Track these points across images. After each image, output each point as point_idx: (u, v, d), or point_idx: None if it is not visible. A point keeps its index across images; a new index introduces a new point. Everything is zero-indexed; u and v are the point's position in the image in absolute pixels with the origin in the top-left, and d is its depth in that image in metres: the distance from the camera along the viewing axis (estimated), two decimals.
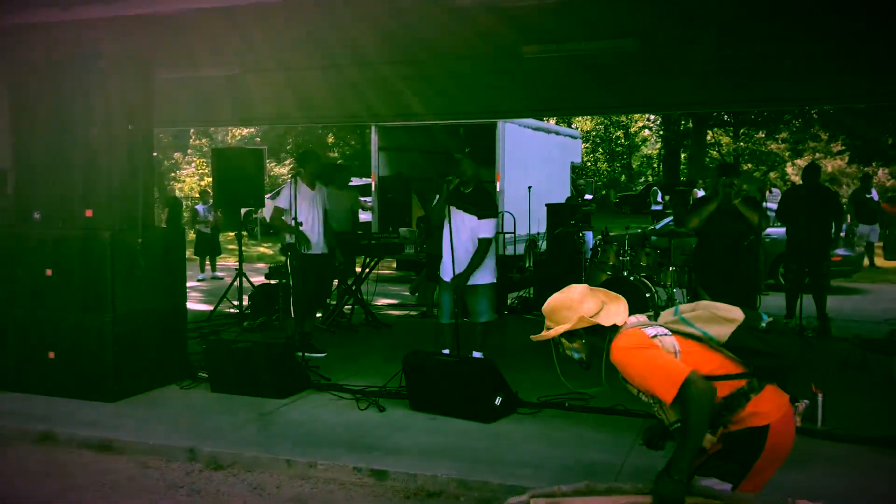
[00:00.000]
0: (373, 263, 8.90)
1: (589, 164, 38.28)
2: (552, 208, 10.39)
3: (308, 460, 4.61)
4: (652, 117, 35.98)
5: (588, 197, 12.26)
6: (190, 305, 7.10)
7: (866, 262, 14.11)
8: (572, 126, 36.01)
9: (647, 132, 38.29)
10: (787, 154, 33.82)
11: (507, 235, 11.76)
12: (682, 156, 33.47)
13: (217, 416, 5.44)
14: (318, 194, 6.98)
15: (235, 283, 8.96)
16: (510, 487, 4.17)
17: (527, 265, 12.09)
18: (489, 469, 4.46)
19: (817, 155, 35.68)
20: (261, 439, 4.99)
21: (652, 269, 8.33)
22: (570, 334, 2.89)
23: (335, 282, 8.93)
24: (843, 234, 11.38)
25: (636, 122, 37.78)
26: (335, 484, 4.45)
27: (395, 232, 10.26)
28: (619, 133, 38.00)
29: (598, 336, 2.86)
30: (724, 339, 2.73)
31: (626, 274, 8.22)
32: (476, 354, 6.29)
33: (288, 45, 7.38)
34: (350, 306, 8.80)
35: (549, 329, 2.93)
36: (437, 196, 6.08)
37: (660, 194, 21.24)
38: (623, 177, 38.83)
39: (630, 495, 2.72)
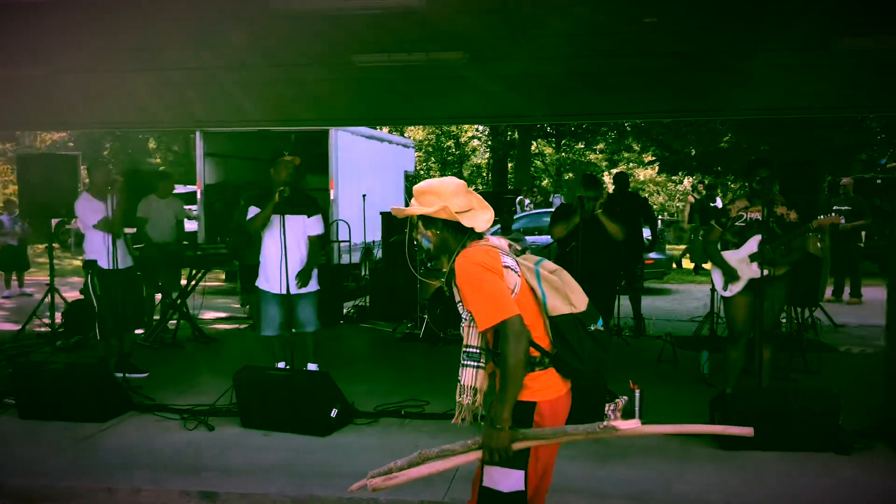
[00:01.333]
0: (199, 276, 8.53)
1: (422, 172, 38.86)
2: (387, 216, 10.43)
3: (131, 487, 4.33)
4: (480, 128, 37.10)
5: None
6: None
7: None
8: (405, 135, 36.47)
9: (476, 142, 39.36)
10: (604, 164, 35.92)
11: (342, 244, 11.70)
12: (510, 165, 34.71)
13: (26, 446, 4.99)
14: (109, 205, 6.39)
15: (46, 300, 8.27)
16: (347, 500, 4.14)
17: (362, 273, 12.06)
18: (325, 483, 4.39)
19: (631, 165, 38.30)
20: (77, 468, 4.63)
21: None
22: (428, 220, 2.80)
23: (157, 296, 8.48)
24: (649, 238, 12.25)
25: (466, 132, 38.75)
26: None
27: (222, 242, 9.89)
28: (450, 143, 38.81)
29: (454, 234, 2.78)
30: (552, 314, 2.74)
31: None
32: (311, 366, 6.18)
33: (105, 46, 6.94)
34: (175, 321, 8.37)
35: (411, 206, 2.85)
36: (247, 206, 5.98)
37: (528, 202, 21.49)
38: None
39: (461, 455, 2.73)
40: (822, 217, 5.39)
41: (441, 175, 39.56)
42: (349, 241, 11.63)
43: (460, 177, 40.15)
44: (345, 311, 9.93)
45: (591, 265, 6.20)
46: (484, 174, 41.59)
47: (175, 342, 8.17)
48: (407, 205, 2.94)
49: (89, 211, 6.17)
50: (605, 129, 28.92)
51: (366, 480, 2.75)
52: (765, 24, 7.40)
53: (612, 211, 6.50)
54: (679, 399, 6.03)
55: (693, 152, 21.35)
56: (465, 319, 2.74)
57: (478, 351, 2.74)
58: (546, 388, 2.74)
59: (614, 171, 38.93)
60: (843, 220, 5.46)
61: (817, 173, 9.70)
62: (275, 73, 9.25)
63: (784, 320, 7.67)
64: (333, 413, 5.25)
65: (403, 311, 9.08)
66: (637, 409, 5.54)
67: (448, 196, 2.78)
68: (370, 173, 13.41)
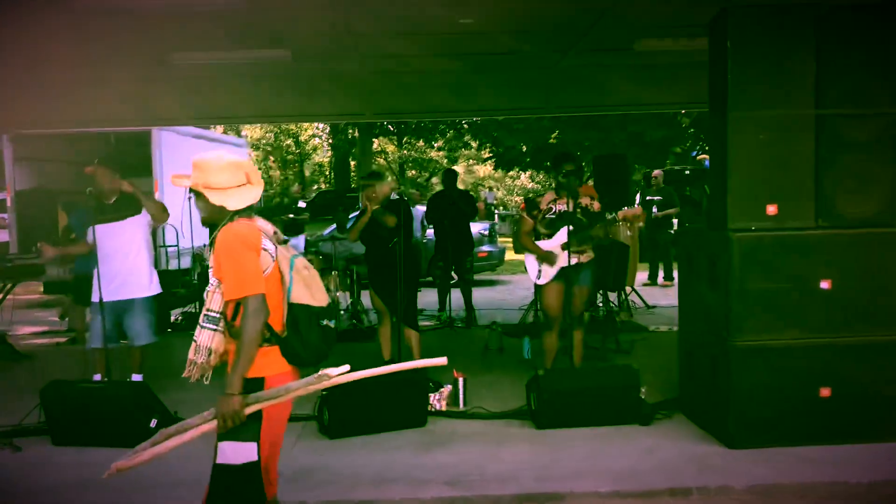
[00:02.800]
0: (8, 288, 7.96)
1: (262, 172, 37.98)
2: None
3: None
4: (321, 126, 36.74)
5: (302, 205, 12.07)
6: None
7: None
8: (242, 135, 35.50)
9: (316, 140, 38.96)
10: (445, 161, 36.61)
11: (170, 249, 11.25)
12: (353, 163, 34.64)
13: None
14: None
15: None
16: None
17: (193, 279, 11.65)
18: (144, 495, 4.26)
19: (471, 162, 39.29)
20: None
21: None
22: (197, 193, 2.98)
23: None
24: (484, 232, 12.69)
25: (306, 130, 38.27)
26: None
27: (37, 252, 9.25)
28: (290, 141, 38.21)
29: (219, 209, 2.95)
30: (293, 300, 2.93)
31: None
32: (135, 377, 5.96)
33: None
34: None
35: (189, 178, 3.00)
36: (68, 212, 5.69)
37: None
38: (297, 185, 39.08)
39: (198, 427, 2.91)
40: (625, 209, 5.81)
41: (281, 175, 38.93)
42: (177, 246, 11.22)
43: (302, 176, 39.58)
44: (172, 318, 9.58)
45: (384, 264, 6.24)
46: (327, 172, 41.27)
47: None
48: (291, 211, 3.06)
49: None
50: (444, 127, 29.45)
51: (113, 466, 2.91)
52: (574, 27, 7.88)
53: (398, 210, 6.39)
54: (502, 383, 6.30)
55: (524, 148, 22.20)
56: (213, 285, 2.91)
57: (218, 315, 2.90)
58: (272, 364, 2.91)
59: (454, 167, 39.92)
60: (641, 211, 5.90)
61: (628, 166, 10.42)
62: (91, 71, 8.81)
63: (601, 304, 8.21)
64: (153, 423, 5.08)
65: None
66: (461, 396, 5.78)
67: (210, 172, 2.95)
68: None
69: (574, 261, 5.80)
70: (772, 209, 4.69)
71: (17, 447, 5.02)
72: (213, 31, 7.37)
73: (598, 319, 8.21)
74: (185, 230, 11.05)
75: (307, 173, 41.38)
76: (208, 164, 2.97)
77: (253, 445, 2.85)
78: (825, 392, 4.68)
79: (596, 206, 6.00)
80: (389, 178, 6.67)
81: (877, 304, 4.71)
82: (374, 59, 8.97)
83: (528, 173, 33.31)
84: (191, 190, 3.01)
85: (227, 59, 8.27)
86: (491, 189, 26.03)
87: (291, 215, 10.60)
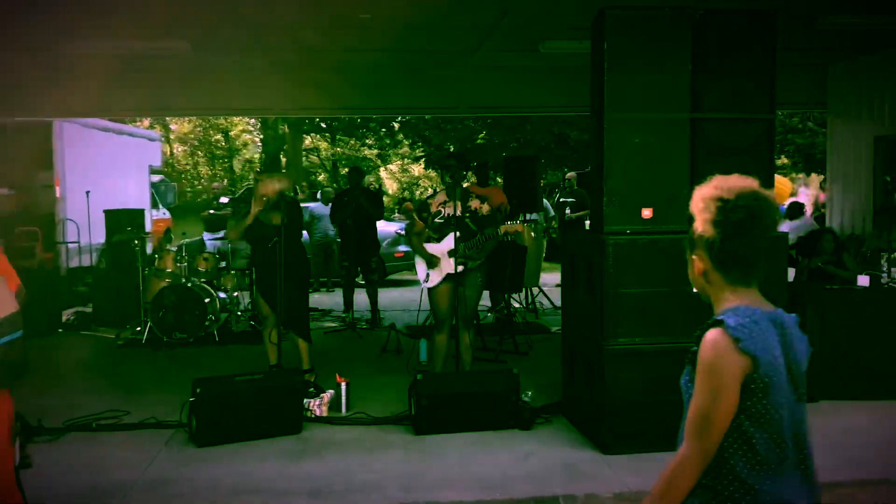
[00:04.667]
0: None
1: (188, 167, 37.14)
2: (111, 214, 9.76)
3: None
4: (252, 121, 36.01)
5: (224, 200, 11.62)
6: None
7: None
8: (170, 128, 34.60)
9: (246, 136, 38.19)
10: (377, 160, 36.33)
11: (70, 245, 10.81)
12: (284, 160, 34.07)
13: None
14: None
15: None
16: None
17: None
18: None
19: (405, 161, 39.03)
20: None
21: (211, 274, 8.26)
22: None
23: None
24: (401, 232, 12.51)
25: (236, 125, 37.47)
26: None
27: None
28: (219, 136, 37.36)
29: None
30: None
31: (184, 280, 8.02)
32: None
33: None
34: None
35: None
36: None
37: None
38: (225, 180, 38.25)
39: None
40: (508, 223, 5.74)
41: (210, 170, 38.05)
42: (78, 242, 10.78)
43: (230, 171, 38.78)
44: (64, 318, 9.16)
45: (267, 264, 5.98)
46: (257, 169, 40.50)
47: None
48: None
49: None
50: (374, 125, 29.17)
51: None
52: (478, 26, 7.81)
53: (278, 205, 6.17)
54: (393, 387, 6.12)
55: (451, 148, 22.13)
56: None
57: None
58: None
59: (389, 166, 39.66)
60: (522, 227, 5.84)
61: (539, 168, 10.40)
62: None
63: (508, 305, 8.15)
64: None
65: (128, 315, 8.54)
66: (344, 401, 5.61)
67: None
68: (106, 168, 12.49)
69: (461, 268, 5.69)
70: (647, 213, 4.65)
71: None
72: (111, 20, 7.07)
73: (502, 320, 8.16)
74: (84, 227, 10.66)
75: (237, 169, 40.51)
76: None
77: None
78: None
79: (485, 208, 5.90)
80: (280, 176, 6.39)
81: None
82: (278, 52, 8.74)
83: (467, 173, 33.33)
84: None
85: (126, 50, 7.94)
86: (327, 187, 25.64)
87: (212, 211, 10.21)
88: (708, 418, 1.80)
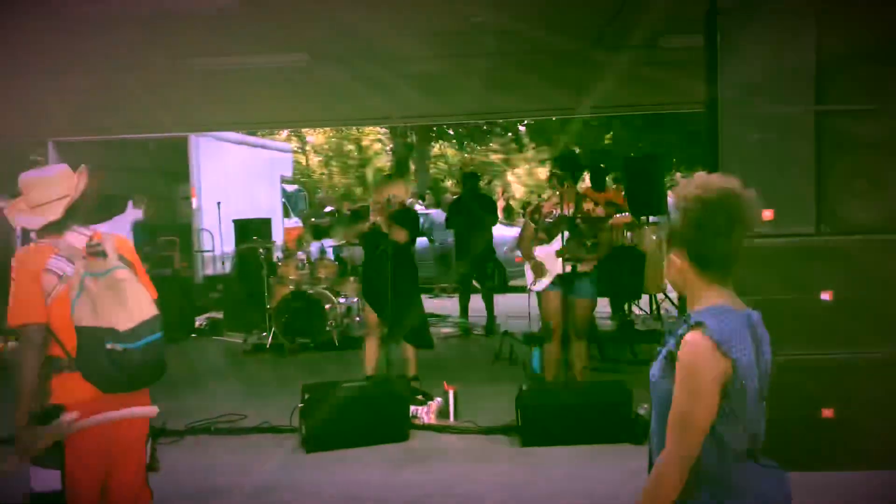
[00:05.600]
0: None
1: (323, 176, 38.42)
2: (240, 224, 10.19)
3: None
4: (383, 130, 36.89)
5: (328, 209, 12.09)
6: None
7: None
8: (307, 140, 36.03)
9: (377, 146, 39.13)
10: (503, 165, 36.30)
11: (205, 254, 11.37)
12: (413, 168, 34.70)
13: None
14: None
15: None
16: None
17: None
18: None
19: (532, 164, 38.82)
20: None
21: (332, 281, 8.44)
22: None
23: None
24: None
25: (367, 135, 38.49)
26: None
27: None
28: (352, 146, 38.51)
29: (43, 231, 2.79)
30: (76, 323, 2.66)
31: (305, 287, 8.23)
32: None
33: None
34: None
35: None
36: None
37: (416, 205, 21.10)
38: (359, 189, 39.38)
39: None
40: (617, 216, 5.50)
41: (342, 179, 39.30)
42: (212, 251, 11.33)
43: (363, 181, 39.88)
44: (198, 324, 9.63)
45: (378, 273, 5.91)
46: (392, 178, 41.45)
47: None
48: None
49: None
50: (499, 130, 29.14)
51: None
52: (595, 21, 7.56)
53: (403, 217, 6.12)
54: (503, 395, 5.98)
55: (577, 150, 21.74)
56: None
57: None
58: (73, 391, 2.68)
59: (516, 170, 39.51)
60: (630, 219, 5.57)
61: (661, 168, 9.95)
62: (125, 77, 8.91)
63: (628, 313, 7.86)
64: None
65: (254, 321, 8.87)
66: (451, 409, 5.54)
67: (26, 189, 2.78)
68: (239, 180, 13.09)
69: (569, 268, 5.50)
70: (768, 214, 4.29)
71: None
72: (229, 35, 7.37)
73: (623, 327, 7.88)
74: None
75: (369, 178, 41.63)
76: (25, 182, 2.82)
77: (55, 473, 2.65)
78: (827, 413, 4.26)
79: (598, 210, 5.69)
80: (398, 184, 6.37)
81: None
82: (393, 62, 8.82)
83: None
84: None
85: (246, 64, 8.26)
86: (448, 194, 24.92)
87: (313, 219, 10.51)
88: (689, 420, 1.84)
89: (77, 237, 2.79)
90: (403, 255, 6.01)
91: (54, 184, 2.78)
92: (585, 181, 8.73)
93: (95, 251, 2.73)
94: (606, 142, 21.42)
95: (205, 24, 6.95)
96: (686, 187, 1.94)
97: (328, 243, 10.21)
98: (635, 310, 8.29)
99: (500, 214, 15.70)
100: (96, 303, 2.66)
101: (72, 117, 9.95)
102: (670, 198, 2.00)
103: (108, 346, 2.63)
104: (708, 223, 1.88)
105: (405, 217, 6.14)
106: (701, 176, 1.96)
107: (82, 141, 11.94)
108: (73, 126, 10.71)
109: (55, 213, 2.75)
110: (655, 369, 2.00)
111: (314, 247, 9.42)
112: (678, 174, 11.77)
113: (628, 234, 8.04)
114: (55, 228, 2.76)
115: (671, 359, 1.90)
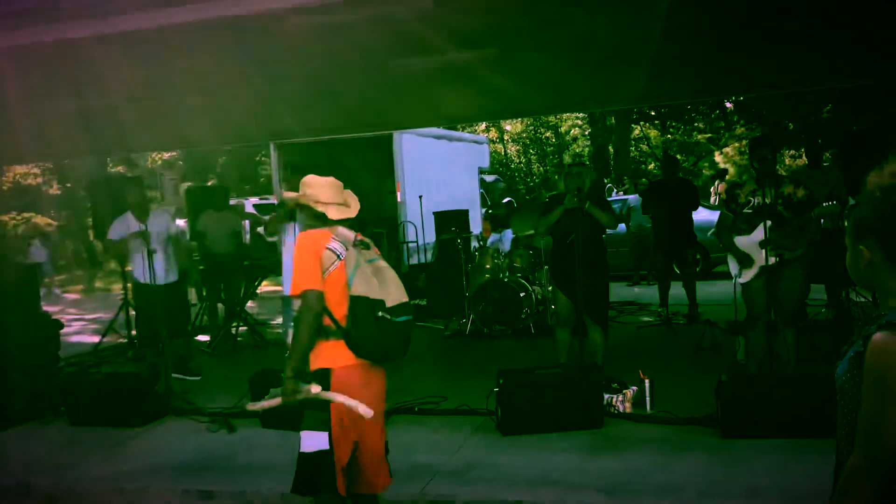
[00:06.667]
0: (257, 283, 9.01)
1: (521, 165, 38.73)
2: (440, 215, 10.59)
3: (139, 486, 4.71)
4: (581, 116, 36.51)
5: (506, 200, 12.39)
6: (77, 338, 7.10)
7: None
8: (505, 130, 36.54)
9: (576, 130, 38.81)
10: (709, 145, 34.65)
11: (410, 245, 11.95)
12: (612, 151, 34.05)
13: (63, 450, 5.49)
14: (152, 224, 6.68)
15: (122, 313, 8.95)
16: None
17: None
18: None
19: (742, 143, 36.68)
20: (100, 471, 5.05)
21: (527, 270, 8.58)
22: (303, 206, 3.36)
23: (220, 306, 8.99)
24: None
25: (565, 121, 38.29)
26: None
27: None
28: (549, 133, 38.49)
29: (314, 220, 3.33)
30: (352, 292, 3.11)
31: (502, 276, 8.44)
32: None
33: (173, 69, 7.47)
34: (236, 328, 8.85)
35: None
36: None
37: (614, 190, 21.00)
38: (556, 176, 39.29)
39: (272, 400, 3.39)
40: (825, 204, 5.14)
41: (540, 167, 39.39)
42: (416, 241, 11.87)
43: (561, 165, 39.86)
44: None
45: (573, 262, 5.83)
46: (586, 163, 40.99)
47: (236, 348, 8.64)
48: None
49: (120, 228, 6.70)
50: (704, 108, 27.79)
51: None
52: None
53: (601, 201, 6.13)
54: (704, 385, 5.80)
55: (791, 126, 20.28)
56: None
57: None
58: (337, 357, 3.14)
59: (726, 149, 37.53)
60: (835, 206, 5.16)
61: (884, 143, 9.06)
62: (336, 82, 9.56)
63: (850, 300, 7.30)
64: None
65: (454, 308, 9.21)
66: (648, 398, 5.49)
67: (316, 188, 3.32)
68: (439, 173, 13.59)
69: (773, 260, 5.23)
70: None
71: (232, 428, 5.68)
72: (424, 36, 7.69)
73: (836, 317, 7.33)
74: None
75: (566, 163, 41.39)
76: (314, 183, 3.36)
77: (323, 435, 3.08)
78: None
79: (800, 193, 5.35)
80: (587, 169, 6.32)
81: None
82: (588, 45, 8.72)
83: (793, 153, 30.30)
84: (297, 204, 3.40)
85: (441, 62, 8.56)
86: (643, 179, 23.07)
87: (491, 210, 10.67)
88: (879, 427, 1.72)
89: (346, 231, 3.28)
90: (595, 241, 5.99)
91: (339, 190, 3.38)
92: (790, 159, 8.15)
93: (363, 243, 3.24)
94: (824, 115, 19.78)
95: (401, 26, 7.32)
96: (882, 174, 1.82)
97: (508, 235, 10.33)
98: (853, 296, 7.65)
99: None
100: (369, 280, 3.12)
101: (289, 121, 10.82)
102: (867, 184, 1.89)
103: (379, 314, 3.08)
104: None
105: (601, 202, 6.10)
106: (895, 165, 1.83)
107: (298, 142, 12.96)
108: (290, 128, 11.59)
109: (349, 213, 3.33)
110: (841, 370, 1.90)
111: (495, 238, 9.61)
112: None
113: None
114: (333, 223, 3.29)
115: (858, 360, 1.80)
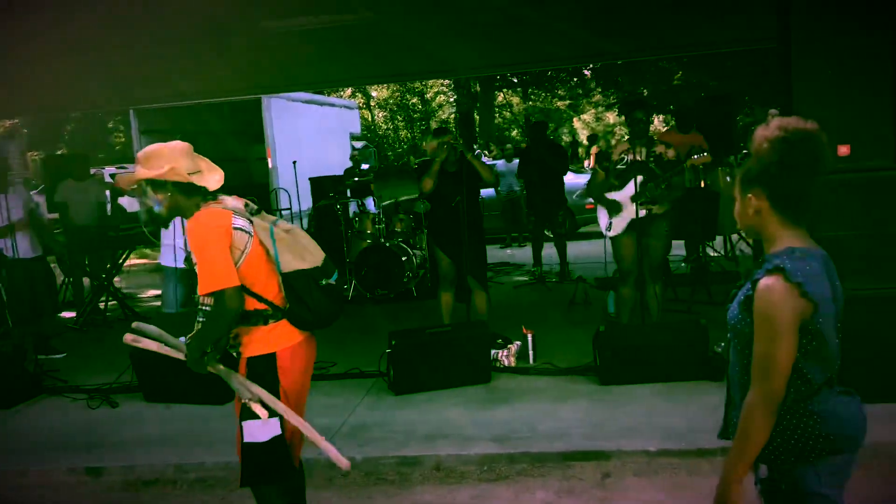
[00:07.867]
0: (125, 255, 8.62)
1: (389, 131, 38.65)
2: (315, 182, 10.48)
3: (19, 468, 4.49)
4: (446, 82, 36.77)
5: (365, 167, 12.40)
6: None
7: None
8: (372, 96, 36.23)
9: (441, 98, 39.09)
10: (570, 111, 35.85)
11: (283, 212, 11.75)
12: (478, 118, 34.57)
13: None
14: (13, 196, 6.35)
15: None
16: (225, 464, 4.29)
17: None
18: (208, 450, 4.54)
19: (599, 109, 38.18)
20: None
21: (407, 234, 8.67)
22: (157, 184, 2.85)
23: (86, 280, 8.57)
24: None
25: (431, 87, 38.46)
26: (47, 488, 4.37)
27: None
28: (416, 99, 38.57)
29: (186, 196, 2.87)
30: (284, 269, 2.85)
31: (383, 241, 8.50)
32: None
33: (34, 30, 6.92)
34: (105, 302, 8.46)
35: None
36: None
37: (482, 156, 21.21)
38: (423, 143, 39.52)
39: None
40: (694, 157, 5.51)
41: (408, 133, 39.49)
42: (290, 209, 11.69)
43: (428, 131, 40.10)
44: None
45: (451, 221, 5.95)
46: (452, 128, 41.44)
47: (105, 323, 8.27)
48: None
49: None
50: (565, 76, 28.72)
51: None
52: None
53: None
54: (580, 338, 6.15)
55: (645, 92, 21.35)
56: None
57: (208, 308, 2.86)
58: (280, 339, 2.91)
59: (584, 116, 38.97)
60: (709, 158, 5.54)
61: (732, 108, 9.77)
62: (201, 45, 9.17)
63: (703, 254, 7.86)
64: None
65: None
66: (531, 352, 5.74)
67: (175, 158, 2.84)
68: (311, 138, 13.39)
69: (643, 212, 5.57)
70: (844, 150, 4.30)
71: (114, 404, 5.48)
72: None
73: (695, 269, 7.90)
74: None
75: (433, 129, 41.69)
76: (167, 151, 2.86)
77: (274, 421, 2.87)
78: None
79: (670, 153, 5.71)
80: (449, 135, 6.35)
81: None
82: (465, 13, 8.81)
83: (660, 118, 31.99)
84: (147, 181, 2.86)
85: (315, 24, 8.42)
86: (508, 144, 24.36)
87: (356, 178, 10.59)
88: (772, 363, 1.90)
89: (232, 200, 2.95)
90: (474, 203, 6.14)
91: (193, 156, 2.91)
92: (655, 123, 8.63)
93: (256, 209, 2.96)
94: (675, 82, 20.94)
95: None
96: (768, 128, 1.99)
97: (369, 203, 10.29)
98: (710, 251, 8.27)
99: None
100: (292, 248, 2.89)
101: (149, 85, 10.31)
102: (752, 138, 2.08)
103: (323, 282, 2.90)
104: (792, 162, 1.93)
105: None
106: (782, 118, 2.01)
107: (159, 108, 12.39)
108: (151, 93, 11.04)
109: (219, 178, 2.95)
110: (733, 312, 2.07)
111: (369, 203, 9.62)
112: (771, 112, 11.35)
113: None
114: (214, 195, 2.92)
115: (748, 303, 1.97)
